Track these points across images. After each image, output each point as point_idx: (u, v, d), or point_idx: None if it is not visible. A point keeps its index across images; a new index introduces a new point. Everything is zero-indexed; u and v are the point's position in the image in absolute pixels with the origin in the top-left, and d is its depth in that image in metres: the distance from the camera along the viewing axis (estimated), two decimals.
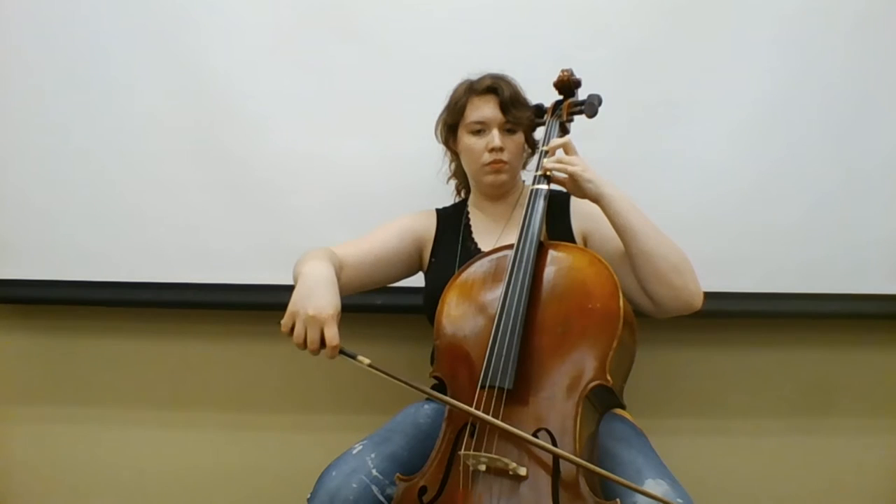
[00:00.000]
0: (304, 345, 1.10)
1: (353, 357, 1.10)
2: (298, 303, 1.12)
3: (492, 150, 1.40)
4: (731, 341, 1.82)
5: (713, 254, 1.65)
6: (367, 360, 1.10)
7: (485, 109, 1.41)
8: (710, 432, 1.84)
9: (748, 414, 1.83)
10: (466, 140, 1.44)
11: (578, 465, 1.01)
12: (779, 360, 1.82)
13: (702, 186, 1.71)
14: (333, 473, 1.17)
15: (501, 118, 1.40)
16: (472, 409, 1.08)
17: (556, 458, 1.03)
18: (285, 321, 1.12)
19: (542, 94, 1.47)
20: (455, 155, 1.54)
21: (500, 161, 1.41)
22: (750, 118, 1.71)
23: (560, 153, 1.30)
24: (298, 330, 1.10)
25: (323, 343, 1.09)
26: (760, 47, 1.69)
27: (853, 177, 1.71)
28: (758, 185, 1.71)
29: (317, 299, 1.11)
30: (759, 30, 1.69)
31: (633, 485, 1.02)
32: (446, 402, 1.11)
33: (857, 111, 1.70)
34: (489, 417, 1.06)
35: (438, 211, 1.57)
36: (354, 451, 1.22)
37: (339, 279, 1.22)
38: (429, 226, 1.53)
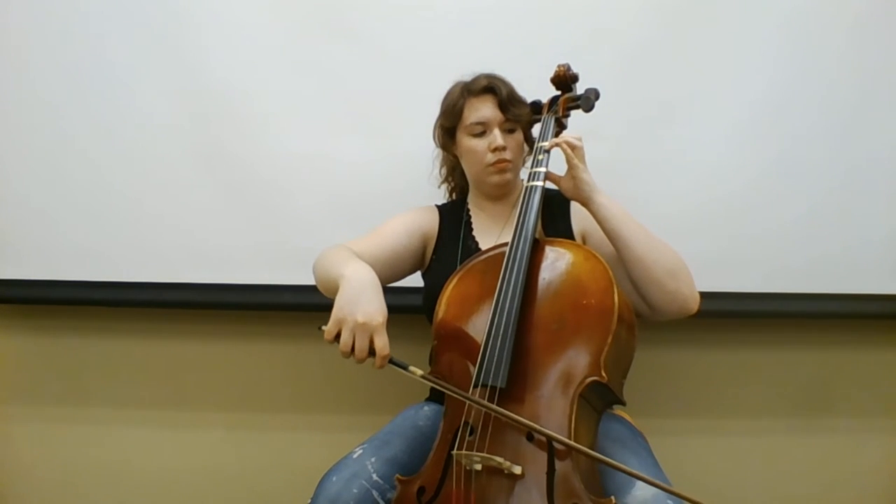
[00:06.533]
0: (351, 353, 1.05)
1: (405, 368, 1.05)
2: (346, 308, 1.06)
3: (495, 149, 1.39)
4: (731, 341, 1.81)
5: (713, 254, 1.65)
6: (419, 371, 1.06)
7: (484, 110, 1.41)
8: (710, 432, 1.83)
9: (748, 414, 1.82)
10: (467, 142, 1.43)
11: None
12: (779, 360, 1.82)
13: (701, 186, 1.71)
14: (333, 479, 1.16)
15: (501, 117, 1.40)
16: (503, 410, 1.04)
17: (552, 456, 1.03)
18: (330, 328, 1.06)
19: (542, 94, 1.46)
20: (453, 158, 1.53)
21: (505, 160, 1.40)
22: (749, 118, 1.71)
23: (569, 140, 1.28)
24: (345, 338, 1.04)
25: (371, 351, 1.05)
26: (760, 47, 1.69)
27: (853, 176, 1.71)
28: (757, 185, 1.71)
29: (365, 305, 1.06)
30: (759, 30, 1.69)
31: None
32: (490, 410, 1.06)
33: (856, 111, 1.70)
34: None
35: (439, 207, 1.57)
36: (354, 456, 1.21)
37: None
38: (432, 222, 1.52)
